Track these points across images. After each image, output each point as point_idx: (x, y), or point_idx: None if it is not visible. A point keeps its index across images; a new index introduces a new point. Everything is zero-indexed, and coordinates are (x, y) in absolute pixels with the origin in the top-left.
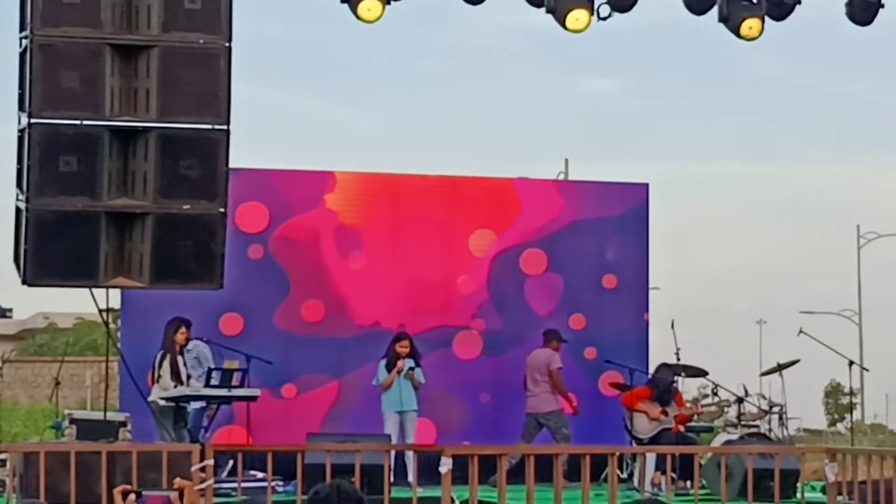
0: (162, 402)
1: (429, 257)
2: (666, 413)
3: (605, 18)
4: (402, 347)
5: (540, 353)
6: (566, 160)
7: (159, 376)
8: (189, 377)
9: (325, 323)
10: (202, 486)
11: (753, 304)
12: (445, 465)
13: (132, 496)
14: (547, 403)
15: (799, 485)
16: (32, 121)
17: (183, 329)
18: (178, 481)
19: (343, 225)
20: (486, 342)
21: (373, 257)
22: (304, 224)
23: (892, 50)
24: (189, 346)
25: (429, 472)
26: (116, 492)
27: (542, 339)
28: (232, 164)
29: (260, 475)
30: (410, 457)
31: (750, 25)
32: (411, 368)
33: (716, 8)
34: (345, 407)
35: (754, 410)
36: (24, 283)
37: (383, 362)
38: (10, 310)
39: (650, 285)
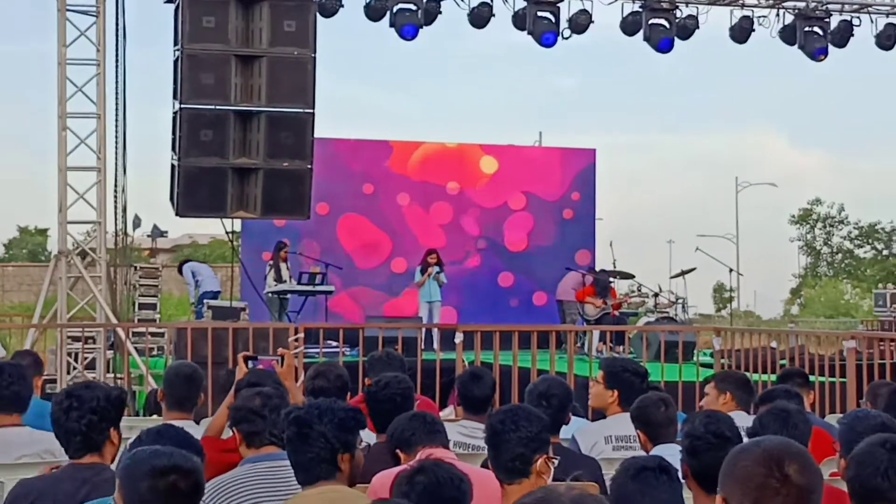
0: (270, 295)
1: (443, 201)
2: (605, 303)
3: (567, 38)
4: (431, 259)
5: (575, 276)
6: (540, 132)
7: (268, 277)
8: (291, 278)
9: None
10: (295, 351)
11: (665, 229)
12: (458, 337)
13: (248, 363)
14: (566, 294)
15: (695, 352)
16: (182, 106)
17: (286, 248)
18: (280, 350)
19: (389, 175)
20: (483, 260)
21: (412, 203)
22: (365, 179)
23: (762, 59)
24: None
25: (448, 343)
26: (240, 357)
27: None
28: (317, 135)
29: (334, 344)
30: (435, 332)
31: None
32: (437, 272)
33: (641, 31)
34: (392, 301)
35: (665, 301)
36: (176, 214)
37: (418, 268)
38: (167, 232)
39: (596, 216)
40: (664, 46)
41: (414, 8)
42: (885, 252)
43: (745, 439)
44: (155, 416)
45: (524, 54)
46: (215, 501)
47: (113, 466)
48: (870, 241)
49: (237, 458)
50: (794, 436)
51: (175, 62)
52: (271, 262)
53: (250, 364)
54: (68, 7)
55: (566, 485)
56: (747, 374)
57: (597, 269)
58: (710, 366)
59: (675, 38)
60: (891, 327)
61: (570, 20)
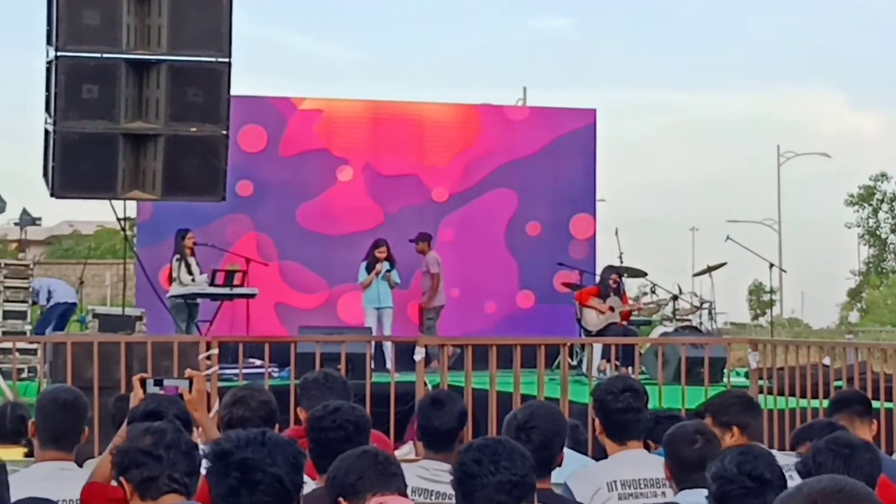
0: (175, 299)
1: (403, 172)
2: (612, 308)
3: None
4: (380, 252)
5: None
6: (524, 88)
7: (174, 277)
8: (202, 274)
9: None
10: (208, 372)
11: (687, 214)
12: (419, 354)
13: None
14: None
15: (725, 370)
16: (59, 54)
17: (190, 234)
18: (188, 372)
19: (328, 146)
20: (455, 248)
21: (356, 173)
22: (297, 145)
23: None
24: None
25: (405, 360)
26: (135, 379)
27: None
28: (233, 92)
29: (258, 363)
30: (388, 347)
31: None
32: (388, 270)
33: None
34: (332, 302)
35: (687, 306)
36: (51, 195)
37: (363, 265)
38: (40, 218)
39: (597, 197)
40: None
41: None
42: None
43: (791, 482)
44: None
45: None
46: None
47: None
48: None
49: None
50: (859, 479)
51: None
52: (177, 257)
53: (149, 388)
54: None
55: None
56: (792, 399)
57: (598, 264)
58: (745, 388)
59: None
60: None
61: None
